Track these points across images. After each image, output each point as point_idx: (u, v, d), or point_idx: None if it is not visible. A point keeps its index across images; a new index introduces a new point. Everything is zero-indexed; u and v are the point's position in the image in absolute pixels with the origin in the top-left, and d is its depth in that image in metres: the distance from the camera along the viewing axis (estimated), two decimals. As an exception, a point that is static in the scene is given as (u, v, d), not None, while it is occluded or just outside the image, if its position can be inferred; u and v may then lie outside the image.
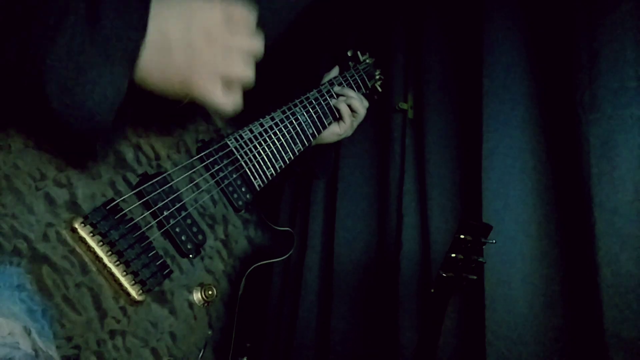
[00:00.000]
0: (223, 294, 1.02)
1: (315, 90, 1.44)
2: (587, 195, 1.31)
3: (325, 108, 1.43)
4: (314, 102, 1.40)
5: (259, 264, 1.13)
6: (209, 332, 0.97)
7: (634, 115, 1.31)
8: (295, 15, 1.30)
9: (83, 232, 0.81)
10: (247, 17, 0.83)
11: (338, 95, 1.49)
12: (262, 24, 1.25)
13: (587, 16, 1.37)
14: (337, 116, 1.48)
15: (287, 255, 1.22)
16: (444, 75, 1.83)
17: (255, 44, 0.85)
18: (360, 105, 1.50)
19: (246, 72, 0.83)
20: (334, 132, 1.49)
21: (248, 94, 1.26)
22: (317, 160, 1.53)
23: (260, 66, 1.37)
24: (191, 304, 0.95)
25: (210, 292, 0.97)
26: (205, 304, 0.97)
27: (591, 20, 1.37)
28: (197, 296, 0.96)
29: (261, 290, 2.08)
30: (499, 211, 1.47)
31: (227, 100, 0.82)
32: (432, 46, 1.86)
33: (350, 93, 1.50)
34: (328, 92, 1.47)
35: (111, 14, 0.73)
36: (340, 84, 1.52)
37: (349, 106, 1.48)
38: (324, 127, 1.42)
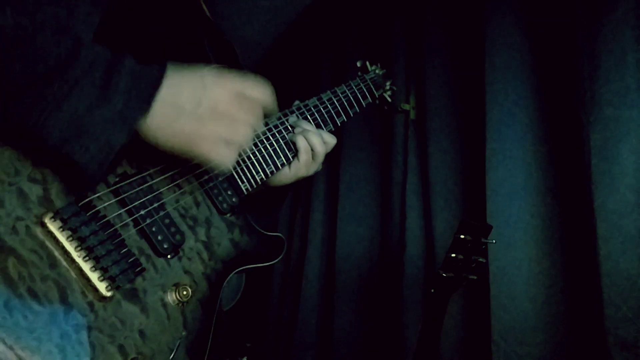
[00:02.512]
0: (202, 296, 1.02)
1: (315, 98, 1.43)
2: (588, 196, 1.29)
3: (326, 116, 1.42)
4: (312, 109, 1.39)
5: (244, 268, 1.12)
6: (183, 333, 0.96)
7: (634, 116, 1.28)
8: (295, 15, 1.31)
9: (52, 227, 0.83)
10: (257, 96, 0.95)
11: (293, 128, 1.27)
12: (262, 24, 1.28)
13: (588, 16, 1.35)
14: (294, 149, 1.25)
15: (275, 261, 1.21)
16: (446, 75, 1.82)
17: (257, 120, 0.96)
18: (319, 142, 1.25)
19: (245, 139, 0.95)
20: (285, 173, 1.26)
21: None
22: (258, 208, 1.30)
23: (259, 68, 1.39)
24: (165, 304, 0.95)
25: (185, 292, 0.97)
26: (180, 304, 0.96)
27: (592, 21, 1.34)
28: (171, 296, 0.96)
29: (261, 289, 2.08)
30: (503, 212, 1.46)
31: (226, 159, 0.93)
32: (433, 46, 1.86)
33: (308, 125, 1.29)
34: (329, 99, 1.45)
35: (123, 85, 0.82)
36: (336, 96, 1.43)
37: (307, 140, 1.25)
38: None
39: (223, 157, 0.92)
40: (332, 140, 1.30)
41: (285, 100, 1.36)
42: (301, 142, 1.24)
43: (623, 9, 1.28)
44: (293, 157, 1.28)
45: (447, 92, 1.80)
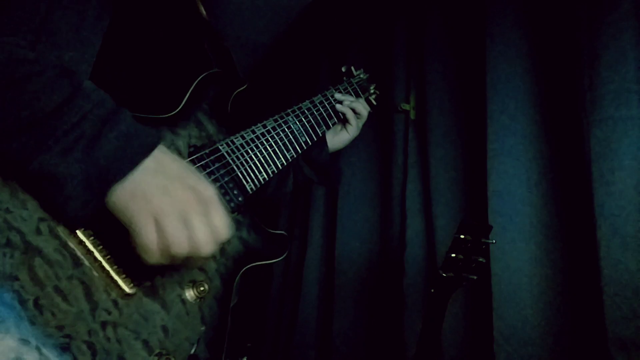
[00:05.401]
0: (216, 292, 1.04)
1: (307, 101, 1.48)
2: (589, 196, 1.31)
3: (318, 117, 1.47)
4: (306, 111, 1.45)
5: (253, 265, 1.14)
6: (202, 328, 0.98)
7: (634, 116, 1.31)
8: (295, 15, 1.35)
9: (74, 227, 0.84)
10: (220, 220, 0.86)
11: (339, 102, 1.55)
12: (262, 25, 1.31)
13: (588, 17, 1.38)
14: (342, 119, 1.54)
15: (281, 258, 1.24)
16: (447, 75, 1.84)
17: (205, 244, 0.84)
18: (363, 107, 1.57)
19: (181, 249, 0.82)
20: (343, 138, 1.57)
21: (244, 99, 1.31)
22: (332, 170, 1.59)
23: (260, 69, 1.42)
24: (183, 300, 0.97)
25: (202, 288, 0.99)
26: (198, 300, 0.98)
27: (592, 21, 1.38)
28: (189, 292, 0.98)
29: (261, 290, 2.08)
30: (504, 212, 1.47)
31: (153, 259, 0.82)
32: (434, 46, 1.88)
33: (351, 98, 1.58)
34: (321, 102, 1.51)
35: (108, 150, 0.79)
36: (325, 98, 1.57)
37: (352, 109, 1.55)
38: (317, 136, 1.45)
39: (154, 255, 0.81)
40: (369, 108, 1.60)
41: (285, 101, 1.41)
42: (348, 111, 1.53)
43: (623, 9, 1.31)
44: (291, 157, 1.33)
45: (447, 92, 1.82)
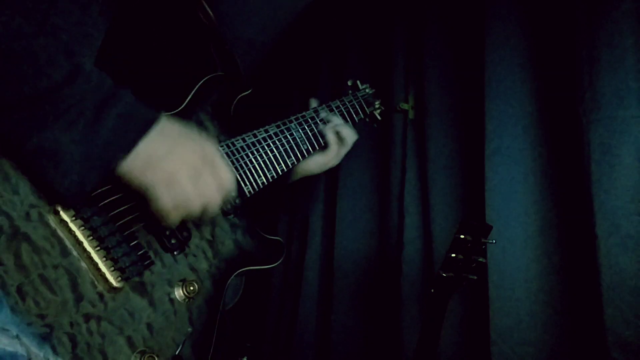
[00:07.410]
0: (206, 293, 1.02)
1: (311, 110, 1.48)
2: (587, 196, 1.29)
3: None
4: (309, 120, 1.44)
5: (246, 269, 1.12)
6: (189, 329, 0.96)
7: (634, 116, 1.29)
8: (295, 15, 1.35)
9: (65, 216, 0.83)
10: (225, 173, 0.95)
11: (324, 122, 1.42)
12: (262, 25, 1.31)
13: (588, 16, 1.36)
14: (323, 143, 1.39)
15: (275, 265, 1.21)
16: (446, 75, 1.82)
17: (215, 197, 0.93)
18: (349, 132, 1.42)
19: (194, 206, 0.90)
20: (318, 162, 1.41)
21: (246, 103, 1.31)
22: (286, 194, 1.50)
23: (260, 70, 1.42)
24: (172, 299, 0.95)
25: (192, 288, 0.97)
26: (187, 300, 0.96)
27: (591, 21, 1.36)
28: (178, 292, 0.96)
29: (261, 289, 2.05)
30: (502, 212, 1.45)
31: (172, 219, 0.89)
32: (433, 45, 1.86)
33: (337, 120, 1.43)
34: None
35: (110, 125, 0.81)
36: (331, 110, 1.50)
37: (337, 133, 1.41)
38: (320, 145, 1.44)
39: (172, 215, 0.89)
40: (356, 137, 1.44)
41: (286, 103, 1.39)
42: (330, 135, 1.37)
43: (623, 9, 1.29)
44: (292, 164, 1.31)
45: (446, 92, 1.80)
